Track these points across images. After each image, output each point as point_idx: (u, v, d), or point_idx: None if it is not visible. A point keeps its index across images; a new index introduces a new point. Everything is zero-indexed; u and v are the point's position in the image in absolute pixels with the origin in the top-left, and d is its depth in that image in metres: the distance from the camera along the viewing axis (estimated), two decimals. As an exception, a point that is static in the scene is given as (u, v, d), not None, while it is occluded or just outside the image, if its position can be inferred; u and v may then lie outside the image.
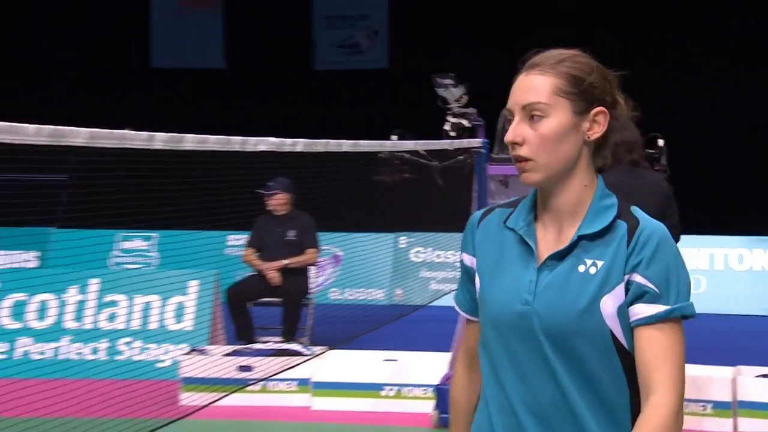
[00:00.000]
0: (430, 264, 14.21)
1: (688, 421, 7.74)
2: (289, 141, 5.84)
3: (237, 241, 12.96)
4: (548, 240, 2.29)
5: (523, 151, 2.22)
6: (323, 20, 23.41)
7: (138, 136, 4.88)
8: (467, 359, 2.53)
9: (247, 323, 9.83)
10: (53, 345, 9.56)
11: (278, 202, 10.06)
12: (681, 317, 2.20)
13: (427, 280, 13.93)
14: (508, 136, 2.24)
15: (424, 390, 8.28)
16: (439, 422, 7.85)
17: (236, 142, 5.76)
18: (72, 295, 9.81)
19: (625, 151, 6.66)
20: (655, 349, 2.17)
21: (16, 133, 3.17)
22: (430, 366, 8.47)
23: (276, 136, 5.96)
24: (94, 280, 9.96)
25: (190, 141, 5.35)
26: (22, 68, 20.90)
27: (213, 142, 5.60)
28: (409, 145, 7.27)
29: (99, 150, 4.96)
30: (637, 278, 2.19)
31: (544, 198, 2.30)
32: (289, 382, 8.37)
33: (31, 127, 3.48)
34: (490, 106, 8.44)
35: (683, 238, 6.73)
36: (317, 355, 8.68)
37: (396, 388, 8.34)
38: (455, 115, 7.94)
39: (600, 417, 2.23)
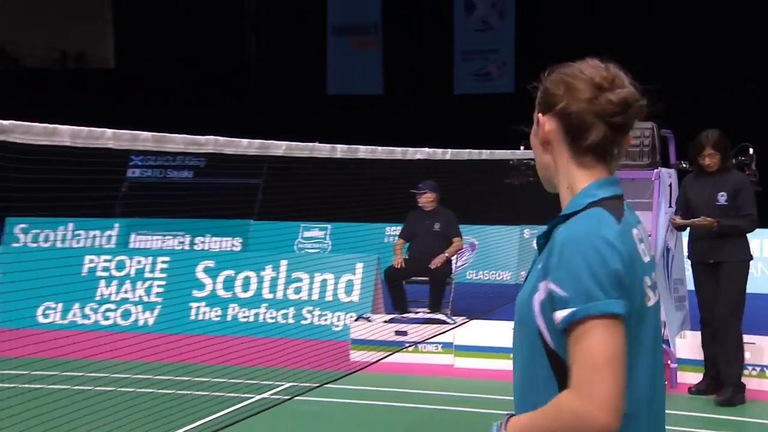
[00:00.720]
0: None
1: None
2: (440, 150, 5.89)
3: (393, 231, 13.07)
4: None
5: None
6: (461, 54, 23.48)
7: (323, 147, 4.99)
8: None
9: (402, 297, 9.97)
10: (254, 311, 9.89)
11: (427, 200, 10.19)
12: (596, 317, 1.78)
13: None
14: None
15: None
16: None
17: (398, 152, 5.85)
18: (267, 272, 10.10)
19: None
20: (574, 355, 1.80)
21: (234, 146, 3.25)
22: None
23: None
24: (284, 261, 10.24)
25: (363, 151, 5.46)
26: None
27: (380, 152, 5.70)
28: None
29: (290, 158, 5.07)
30: (550, 285, 1.85)
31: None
32: (436, 344, 8.50)
33: (245, 141, 3.58)
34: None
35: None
36: (459, 324, 8.80)
37: (503, 350, 8.32)
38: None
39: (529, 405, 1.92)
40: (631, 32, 21.07)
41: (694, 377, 7.60)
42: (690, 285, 8.27)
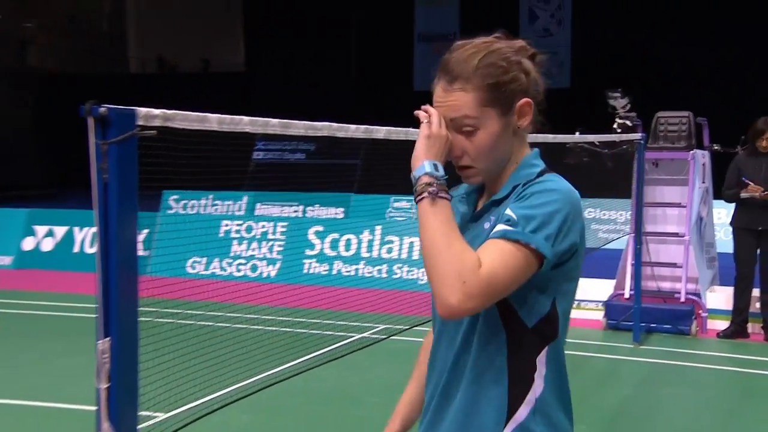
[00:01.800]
0: (599, 219, 13.80)
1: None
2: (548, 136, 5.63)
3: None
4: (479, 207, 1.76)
5: (464, 162, 1.65)
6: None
7: (415, 131, 4.92)
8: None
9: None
10: (354, 267, 9.97)
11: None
12: (525, 246, 1.50)
13: (597, 230, 13.56)
14: (451, 155, 1.65)
15: (596, 304, 8.08)
16: (606, 326, 7.71)
17: (543, 138, 5.61)
18: (365, 235, 10.16)
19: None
20: (487, 247, 1.51)
21: (344, 131, 3.20)
22: (601, 288, 8.19)
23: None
24: (378, 227, 10.28)
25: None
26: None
27: None
28: (589, 138, 7.11)
29: (385, 141, 5.03)
30: (507, 211, 1.56)
31: (488, 181, 1.70)
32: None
33: (353, 126, 3.57)
34: (648, 110, 8.21)
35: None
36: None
37: (577, 302, 8.19)
38: (621, 117, 7.72)
39: (477, 353, 1.63)
40: (668, 35, 20.51)
41: (722, 324, 7.47)
42: (719, 248, 8.10)
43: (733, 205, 7.47)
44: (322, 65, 24.50)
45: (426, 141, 1.61)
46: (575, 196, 1.63)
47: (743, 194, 7.08)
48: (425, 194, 1.55)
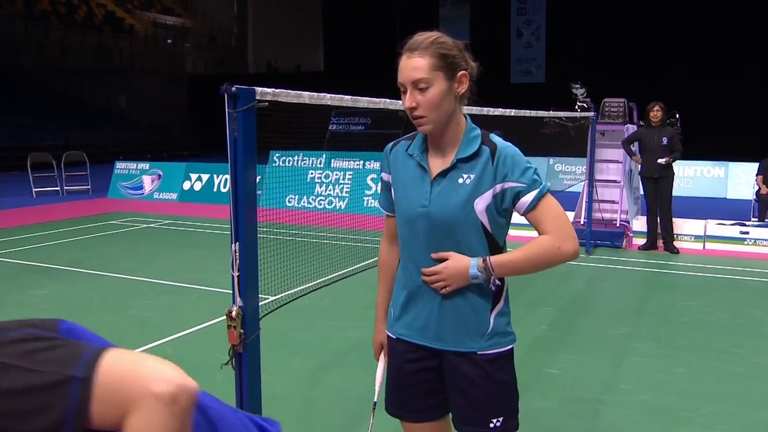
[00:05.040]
0: (564, 171, 13.48)
1: None
2: (510, 110, 5.28)
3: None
4: (436, 163, 1.61)
5: (418, 112, 1.55)
6: (515, 61, 22.67)
7: (499, 111, 4.38)
8: (389, 237, 1.79)
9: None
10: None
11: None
12: (548, 191, 1.55)
13: (562, 178, 13.25)
14: (406, 103, 1.54)
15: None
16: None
17: (527, 114, 5.43)
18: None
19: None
20: (540, 216, 1.54)
21: (393, 105, 2.64)
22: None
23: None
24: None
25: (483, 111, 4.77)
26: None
27: (478, 110, 5.03)
28: (559, 114, 6.93)
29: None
30: (509, 184, 1.54)
31: (433, 137, 1.61)
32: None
33: (398, 102, 3.35)
34: (598, 97, 7.97)
35: None
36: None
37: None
38: (580, 101, 7.56)
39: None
40: (619, 46, 19.87)
41: (641, 241, 7.40)
42: (641, 191, 7.96)
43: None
44: (380, 66, 24.05)
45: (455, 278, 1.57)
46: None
47: (663, 161, 6.93)
48: (491, 276, 1.56)
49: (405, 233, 1.64)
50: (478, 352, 1.62)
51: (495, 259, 1.55)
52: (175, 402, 0.71)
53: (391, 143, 1.72)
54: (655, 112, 6.97)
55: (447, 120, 1.57)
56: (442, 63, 1.53)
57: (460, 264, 1.55)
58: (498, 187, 1.55)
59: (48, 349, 0.73)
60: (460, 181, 1.56)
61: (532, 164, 1.56)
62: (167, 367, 0.74)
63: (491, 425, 1.62)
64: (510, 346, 1.66)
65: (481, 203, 1.55)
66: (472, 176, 1.56)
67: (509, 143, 1.60)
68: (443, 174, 1.59)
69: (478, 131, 1.61)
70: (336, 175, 10.60)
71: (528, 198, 1.54)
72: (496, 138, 1.60)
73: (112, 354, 0.74)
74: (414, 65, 1.53)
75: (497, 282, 1.58)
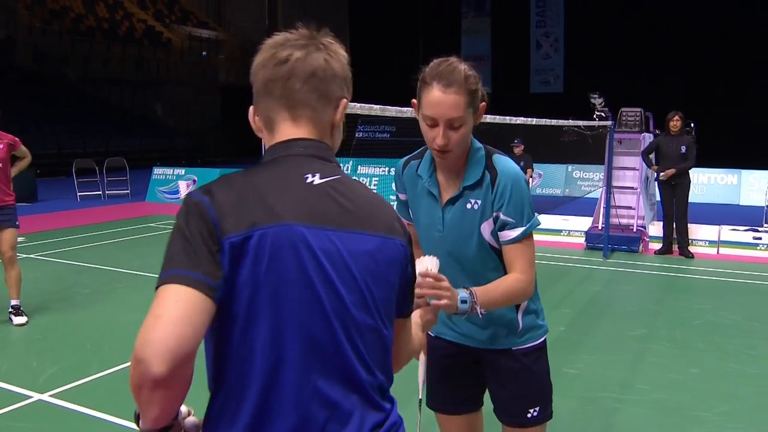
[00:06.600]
0: (582, 178, 13.32)
1: None
2: (532, 119, 5.24)
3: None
4: (445, 187, 1.60)
5: (448, 148, 1.51)
6: (534, 71, 22.58)
7: (519, 119, 4.36)
8: (414, 243, 1.56)
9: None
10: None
11: (519, 149, 8.82)
12: (531, 232, 1.56)
13: (581, 185, 13.12)
14: (439, 141, 1.49)
15: (579, 233, 7.90)
16: (586, 247, 7.57)
17: (543, 123, 5.32)
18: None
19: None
20: (518, 254, 1.54)
21: (404, 112, 2.52)
22: (582, 222, 7.99)
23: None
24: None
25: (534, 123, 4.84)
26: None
27: (536, 122, 4.92)
28: (578, 123, 6.95)
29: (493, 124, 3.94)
30: (501, 215, 1.54)
31: (451, 159, 1.57)
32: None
33: None
34: (616, 106, 7.98)
35: None
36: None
37: (567, 231, 8.00)
38: (598, 111, 7.56)
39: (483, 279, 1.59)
40: (630, 56, 19.70)
41: (657, 246, 7.37)
42: (658, 197, 7.91)
43: None
44: (403, 82, 23.97)
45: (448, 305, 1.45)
46: (523, 176, 1.59)
47: (661, 175, 6.89)
48: (475, 308, 1.50)
49: (427, 247, 1.65)
50: (513, 348, 1.66)
51: (480, 294, 1.51)
52: (139, 364, 0.80)
53: (401, 162, 1.71)
54: (675, 122, 6.89)
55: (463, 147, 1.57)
56: (471, 99, 1.49)
57: (455, 293, 1.48)
58: (495, 214, 1.57)
59: None
60: (468, 206, 1.58)
61: (527, 195, 1.55)
62: (162, 345, 0.79)
63: (528, 415, 1.67)
64: (543, 338, 1.69)
65: (487, 228, 1.58)
66: (479, 202, 1.57)
67: (511, 165, 1.57)
68: (452, 201, 1.60)
69: (482, 151, 1.59)
70: (363, 181, 10.71)
71: (512, 233, 1.54)
72: (499, 159, 1.57)
73: (160, 291, 0.84)
74: (451, 103, 1.46)
75: (482, 311, 1.53)
